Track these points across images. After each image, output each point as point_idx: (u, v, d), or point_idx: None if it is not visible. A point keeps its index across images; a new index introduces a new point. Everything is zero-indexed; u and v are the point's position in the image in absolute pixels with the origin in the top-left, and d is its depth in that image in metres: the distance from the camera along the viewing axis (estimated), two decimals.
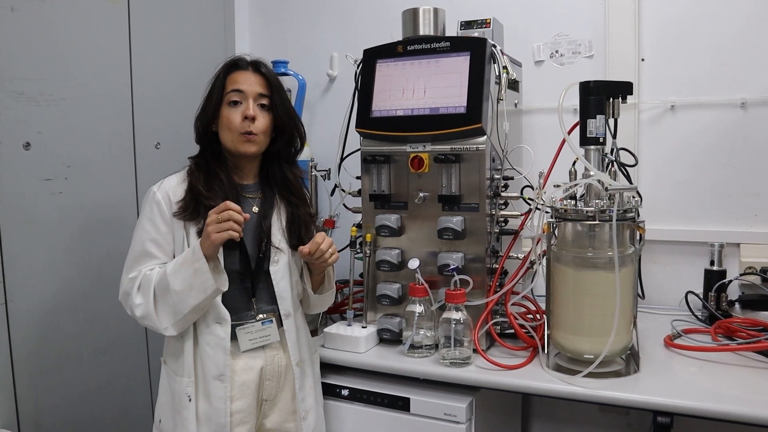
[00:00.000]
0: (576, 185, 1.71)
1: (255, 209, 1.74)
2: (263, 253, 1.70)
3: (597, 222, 1.65)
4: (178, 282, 1.55)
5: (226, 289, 1.59)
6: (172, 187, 1.68)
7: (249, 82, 1.70)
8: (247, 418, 1.66)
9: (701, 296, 2.15)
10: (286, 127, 1.76)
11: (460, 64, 1.89)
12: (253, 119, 1.67)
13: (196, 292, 1.55)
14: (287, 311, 1.72)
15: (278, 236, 1.75)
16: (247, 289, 1.69)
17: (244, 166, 1.76)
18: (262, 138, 1.72)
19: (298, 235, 1.77)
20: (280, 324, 1.72)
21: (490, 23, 2.06)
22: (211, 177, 1.68)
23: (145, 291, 1.60)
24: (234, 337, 1.65)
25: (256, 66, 1.74)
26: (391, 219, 1.95)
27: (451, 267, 1.83)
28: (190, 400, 1.62)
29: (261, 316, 1.70)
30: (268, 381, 1.70)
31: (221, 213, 1.53)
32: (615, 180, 1.71)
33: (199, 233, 1.61)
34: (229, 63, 1.74)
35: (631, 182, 2.05)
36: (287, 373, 1.73)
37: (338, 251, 2.24)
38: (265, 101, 1.71)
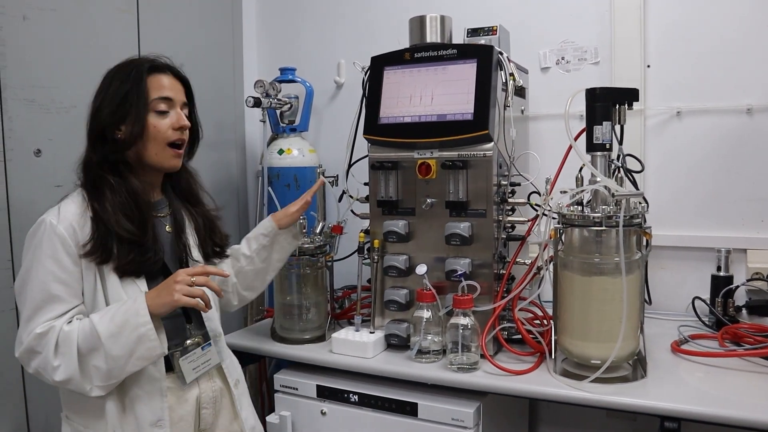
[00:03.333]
0: (583, 191, 1.71)
1: (168, 229, 1.62)
2: None
3: (604, 228, 1.65)
4: (117, 347, 1.37)
5: (165, 352, 1.44)
6: (76, 218, 1.45)
7: (175, 89, 1.57)
8: None
9: (708, 302, 2.15)
10: (197, 133, 1.68)
11: (467, 71, 1.90)
12: (186, 129, 1.57)
13: (138, 359, 1.39)
14: (216, 331, 1.64)
15: (195, 251, 1.66)
16: (179, 315, 1.56)
17: (152, 180, 1.61)
18: (185, 148, 1.62)
19: (212, 240, 1.71)
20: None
21: (496, 30, 2.07)
22: (120, 200, 1.47)
23: (65, 351, 1.38)
24: (169, 368, 1.51)
25: (174, 70, 1.61)
26: (399, 225, 1.96)
27: (459, 272, 1.84)
28: None
29: (197, 340, 1.58)
30: (204, 409, 1.59)
31: (197, 277, 1.43)
32: (621, 186, 1.72)
33: (119, 271, 1.45)
34: (148, 64, 1.55)
35: (637, 188, 2.05)
36: (222, 397, 1.64)
37: (346, 257, 2.25)
38: (186, 110, 1.60)
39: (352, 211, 2.19)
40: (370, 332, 2.00)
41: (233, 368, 1.70)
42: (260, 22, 3.04)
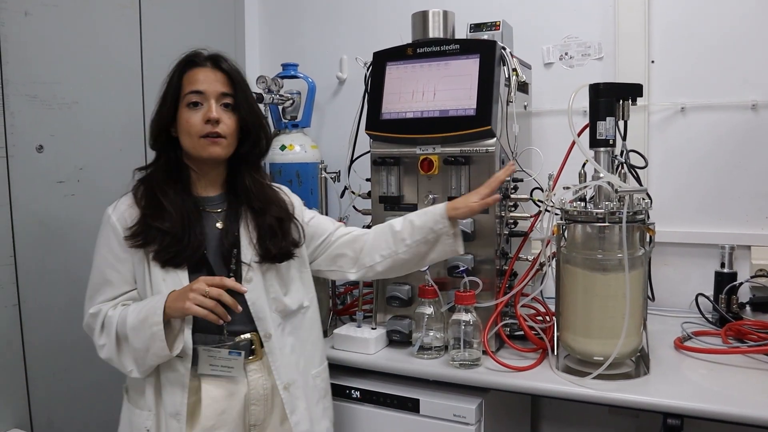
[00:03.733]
0: (586, 187, 1.71)
1: (219, 225, 1.61)
2: (234, 272, 1.57)
3: (607, 224, 1.65)
4: (137, 340, 1.46)
5: (176, 354, 1.48)
6: (128, 208, 1.56)
7: (209, 81, 1.56)
8: None
9: (711, 299, 2.14)
10: (252, 127, 1.63)
11: (470, 66, 1.89)
12: (216, 122, 1.54)
13: (153, 355, 1.47)
14: (267, 332, 1.58)
15: (248, 252, 1.59)
16: None
17: (208, 173, 1.63)
18: (230, 140, 1.59)
19: (268, 244, 1.60)
20: (262, 345, 1.59)
21: (499, 26, 2.06)
22: (161, 193, 1.54)
23: (107, 333, 1.51)
24: (195, 362, 1.53)
25: (216, 61, 1.59)
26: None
27: (461, 268, 1.83)
28: None
29: (243, 337, 1.57)
30: (254, 406, 1.57)
31: (212, 287, 1.43)
32: (625, 182, 1.71)
33: (158, 258, 1.51)
34: (185, 60, 1.59)
35: (640, 184, 2.04)
36: (275, 396, 1.60)
37: None
38: (228, 100, 1.58)
39: (354, 207, 2.19)
40: (372, 328, 2.00)
41: (286, 370, 1.61)
42: (262, 18, 3.04)
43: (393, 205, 2.00)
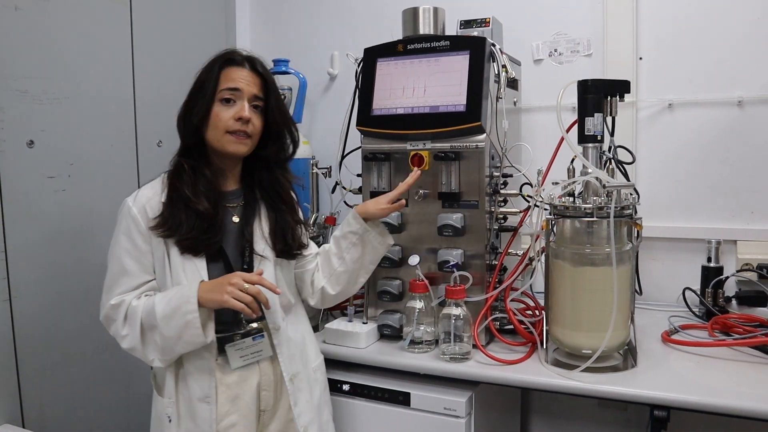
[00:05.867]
0: (574, 182, 1.72)
1: (235, 219, 1.66)
2: (247, 264, 1.63)
3: (595, 219, 1.66)
4: (168, 328, 1.50)
5: (210, 341, 1.53)
6: (148, 200, 1.60)
7: (245, 81, 1.60)
8: (244, 431, 1.61)
9: (698, 292, 2.17)
10: (280, 130, 1.69)
11: (460, 62, 1.90)
12: (247, 121, 1.59)
13: (185, 343, 1.51)
14: (276, 324, 1.64)
15: (261, 244, 1.66)
16: None
17: (227, 168, 1.67)
18: (254, 140, 1.64)
19: (284, 241, 1.69)
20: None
21: (489, 22, 2.07)
22: (196, 179, 1.59)
23: (131, 323, 1.55)
24: (222, 352, 1.58)
25: (253, 64, 1.64)
26: (392, 216, 1.96)
27: (451, 263, 1.85)
28: (170, 421, 1.59)
29: (253, 326, 1.61)
30: (264, 391, 1.63)
31: (250, 286, 1.49)
32: (612, 177, 1.73)
33: (180, 245, 1.55)
34: (224, 57, 1.63)
35: (628, 179, 2.06)
36: (282, 383, 1.66)
37: None
38: (259, 103, 1.64)
39: (345, 202, 2.20)
40: (363, 323, 2.01)
41: (291, 362, 1.67)
42: (254, 14, 3.03)
43: None
